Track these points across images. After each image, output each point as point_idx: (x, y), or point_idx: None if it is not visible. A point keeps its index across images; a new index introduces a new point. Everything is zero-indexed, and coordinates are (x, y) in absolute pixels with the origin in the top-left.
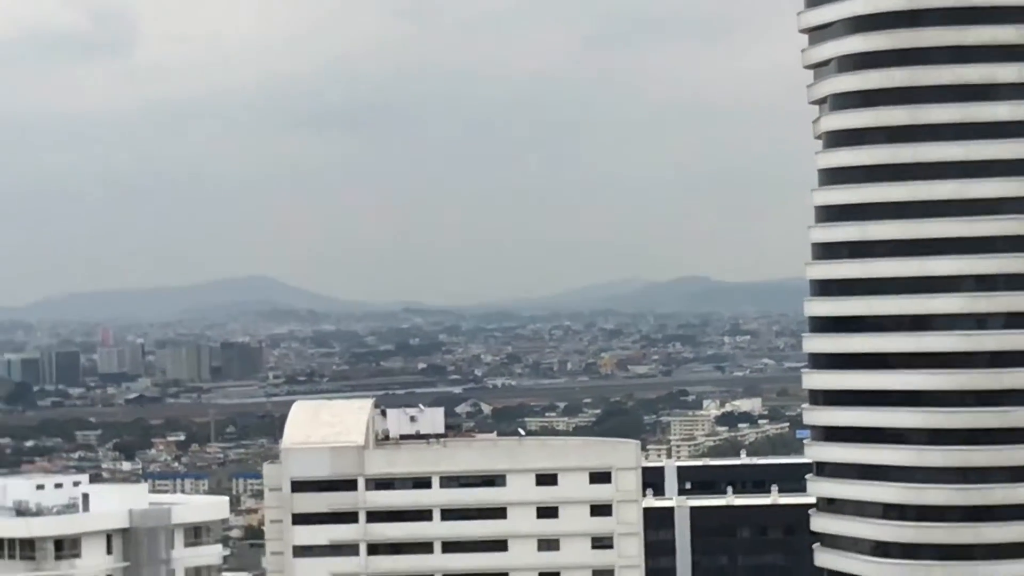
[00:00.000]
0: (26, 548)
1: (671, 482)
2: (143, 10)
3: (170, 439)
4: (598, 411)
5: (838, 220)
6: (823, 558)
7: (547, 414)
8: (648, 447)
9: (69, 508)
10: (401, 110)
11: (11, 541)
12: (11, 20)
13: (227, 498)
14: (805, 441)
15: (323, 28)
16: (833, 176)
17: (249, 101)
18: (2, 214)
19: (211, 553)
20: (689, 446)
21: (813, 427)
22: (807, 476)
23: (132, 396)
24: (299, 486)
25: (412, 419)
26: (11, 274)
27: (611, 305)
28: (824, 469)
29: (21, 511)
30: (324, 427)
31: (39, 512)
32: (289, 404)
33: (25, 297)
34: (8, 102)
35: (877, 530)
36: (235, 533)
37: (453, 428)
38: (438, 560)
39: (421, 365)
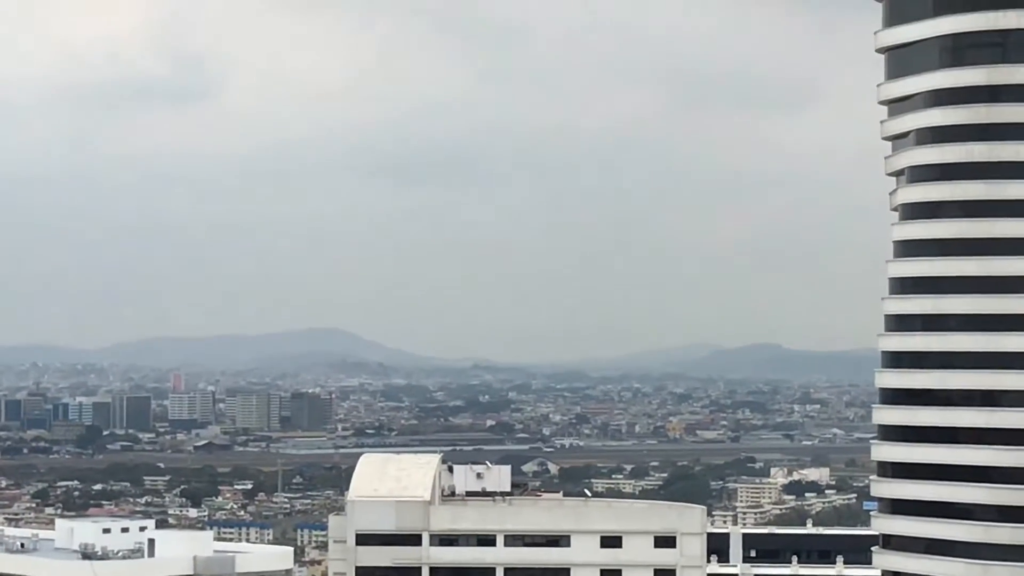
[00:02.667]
0: None
1: (736, 549)
2: (226, 59)
3: (237, 487)
4: (665, 475)
5: (912, 292)
6: None
7: (614, 476)
8: (714, 513)
9: (135, 553)
10: (476, 166)
11: None
12: (93, 63)
13: (291, 548)
14: (872, 513)
15: (403, 80)
16: (908, 248)
17: (325, 152)
18: (78, 259)
19: None
20: (755, 513)
21: (880, 499)
22: (873, 548)
23: (201, 443)
24: (364, 539)
25: (479, 476)
26: (86, 318)
27: (681, 369)
28: (890, 542)
29: (87, 554)
30: (391, 481)
31: (105, 556)
32: (357, 456)
33: (99, 341)
34: (85, 149)
35: None
36: None
37: (519, 487)
38: None
39: (489, 422)
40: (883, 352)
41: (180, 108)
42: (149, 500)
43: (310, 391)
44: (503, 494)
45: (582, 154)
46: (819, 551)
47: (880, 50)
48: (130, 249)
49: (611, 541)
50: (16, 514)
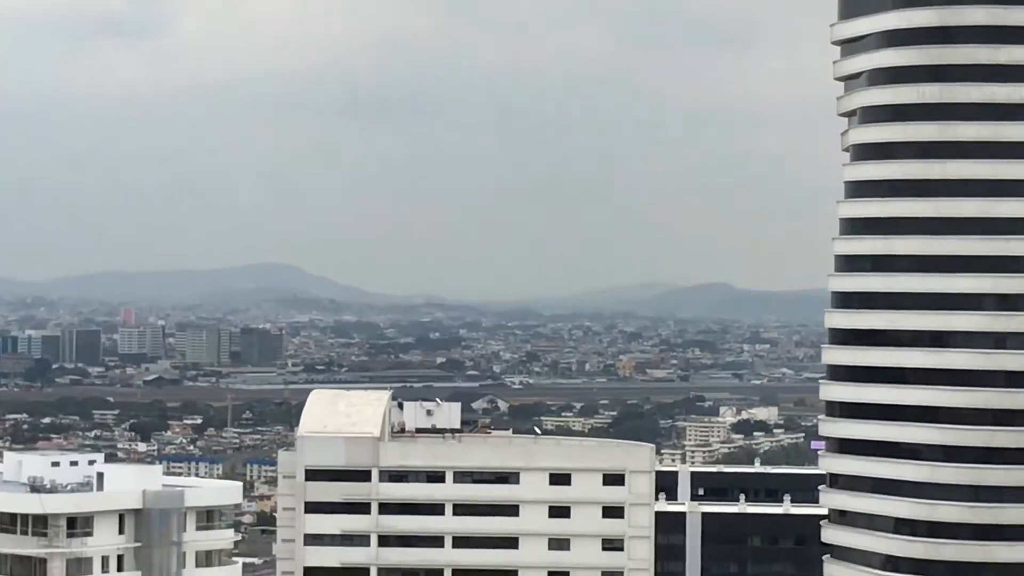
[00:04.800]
0: (39, 524)
1: (684, 487)
2: None
3: (186, 422)
4: (614, 413)
5: (862, 233)
6: (833, 570)
7: (563, 414)
8: (662, 451)
9: (83, 486)
10: (430, 103)
11: (24, 517)
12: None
13: (240, 483)
14: (819, 452)
15: (358, 17)
16: (859, 189)
17: (278, 89)
18: (30, 193)
19: (222, 537)
20: (704, 452)
21: (828, 439)
22: (820, 487)
23: (151, 377)
24: (313, 475)
25: (428, 413)
26: (36, 251)
27: (632, 308)
28: (837, 481)
29: (35, 487)
30: (340, 417)
31: (53, 489)
32: (307, 392)
33: (49, 274)
34: (39, 82)
35: (888, 544)
36: (247, 519)
37: (469, 424)
38: (448, 555)
39: (440, 359)
40: (833, 292)
41: (133, 43)
42: (98, 434)
43: (260, 327)
44: (453, 431)
45: (535, 93)
46: (767, 490)
47: None
48: (81, 183)
49: (560, 478)
50: None
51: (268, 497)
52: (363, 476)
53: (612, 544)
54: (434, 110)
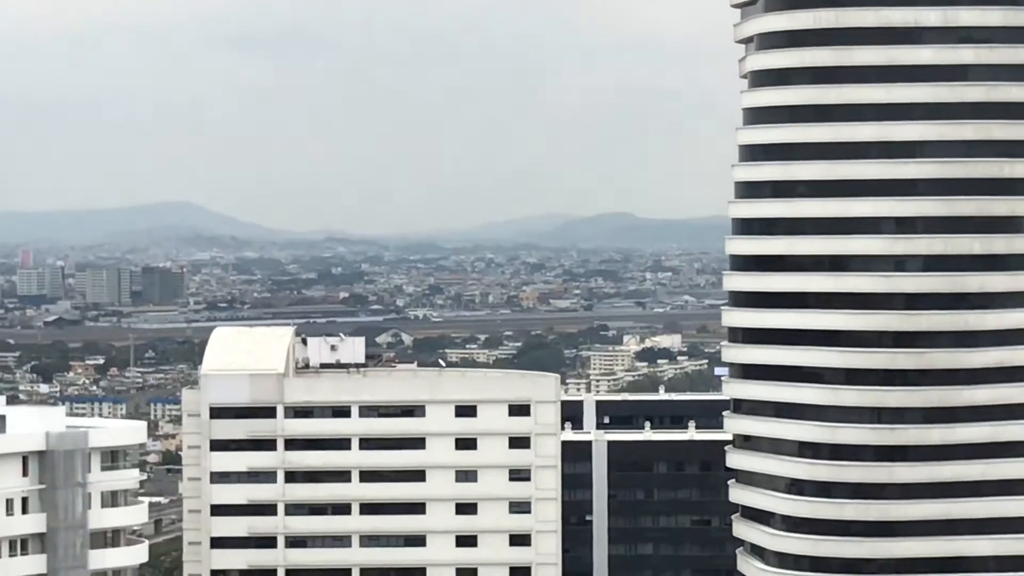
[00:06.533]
0: None
1: (590, 416)
2: None
3: (89, 363)
4: (519, 344)
5: (761, 159)
6: (738, 494)
7: (468, 346)
8: (568, 381)
9: None
10: (325, 35)
11: None
12: None
13: (145, 423)
14: (723, 378)
15: None
16: (757, 115)
17: (173, 22)
18: None
19: (128, 477)
20: (608, 381)
21: (731, 364)
22: (724, 413)
23: (51, 319)
24: (218, 412)
25: (333, 348)
26: None
27: (534, 239)
28: (741, 406)
29: None
30: (244, 354)
31: None
32: (210, 330)
33: None
34: None
35: (792, 467)
36: (152, 458)
37: (373, 358)
38: (355, 489)
39: (343, 294)
40: (733, 219)
41: None
42: None
43: (161, 265)
44: (357, 366)
45: (433, 19)
46: (671, 416)
47: None
48: None
49: (466, 410)
50: None
51: (173, 436)
52: (268, 412)
53: (519, 474)
54: (328, 42)
